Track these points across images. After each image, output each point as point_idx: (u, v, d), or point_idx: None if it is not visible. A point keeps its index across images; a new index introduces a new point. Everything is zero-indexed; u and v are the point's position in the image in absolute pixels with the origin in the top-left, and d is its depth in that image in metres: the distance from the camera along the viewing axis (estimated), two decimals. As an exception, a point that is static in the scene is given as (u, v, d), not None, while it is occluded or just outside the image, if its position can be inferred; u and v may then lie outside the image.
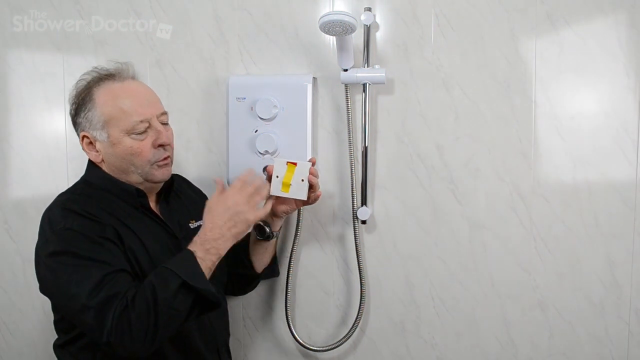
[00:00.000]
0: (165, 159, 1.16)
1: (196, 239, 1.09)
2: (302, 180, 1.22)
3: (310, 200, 1.25)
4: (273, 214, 1.27)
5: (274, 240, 1.33)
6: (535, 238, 1.36)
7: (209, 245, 1.08)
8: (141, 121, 1.11)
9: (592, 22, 1.30)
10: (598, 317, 1.35)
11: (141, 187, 1.17)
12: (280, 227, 1.34)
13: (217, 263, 1.09)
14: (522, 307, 1.38)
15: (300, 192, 1.22)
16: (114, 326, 0.97)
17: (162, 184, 1.22)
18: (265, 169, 1.26)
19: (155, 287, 1.00)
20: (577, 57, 1.31)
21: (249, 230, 1.13)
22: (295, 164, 1.22)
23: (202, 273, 1.04)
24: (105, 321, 0.98)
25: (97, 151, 1.14)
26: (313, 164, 1.23)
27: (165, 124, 1.17)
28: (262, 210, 1.16)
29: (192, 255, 1.06)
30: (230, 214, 1.10)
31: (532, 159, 1.35)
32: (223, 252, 1.10)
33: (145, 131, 1.12)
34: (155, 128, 1.13)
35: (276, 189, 1.22)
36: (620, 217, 1.31)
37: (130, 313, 0.98)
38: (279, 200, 1.26)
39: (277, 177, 1.22)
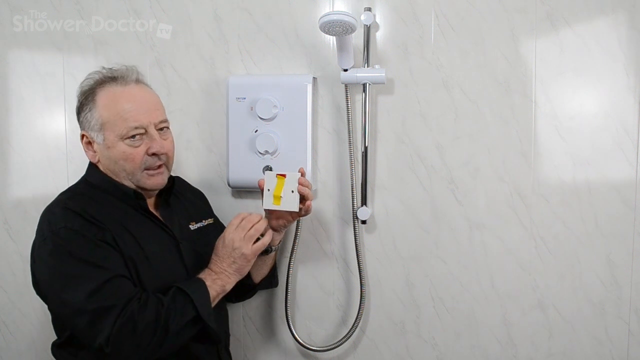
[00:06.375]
0: (158, 167, 1.15)
1: (207, 268, 1.15)
2: (292, 191, 1.21)
3: (302, 212, 1.25)
4: (271, 228, 1.26)
5: (273, 253, 1.32)
6: (535, 238, 1.36)
7: (215, 277, 1.13)
8: (136, 127, 1.10)
9: (592, 22, 1.30)
10: (598, 317, 1.35)
11: (138, 190, 1.16)
12: (280, 241, 1.33)
13: (221, 296, 1.14)
14: (522, 307, 1.38)
15: (291, 204, 1.21)
16: (114, 333, 0.98)
17: (157, 190, 1.21)
18: (263, 171, 1.26)
19: (170, 310, 1.03)
20: (577, 57, 1.31)
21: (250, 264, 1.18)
22: (284, 175, 1.21)
23: (212, 310, 1.08)
24: (101, 327, 0.98)
25: (95, 151, 1.15)
26: (302, 175, 1.23)
27: (161, 130, 1.15)
28: (259, 243, 1.17)
29: (204, 286, 1.10)
30: (229, 251, 1.15)
31: (532, 159, 1.34)
32: (228, 286, 1.15)
33: (140, 138, 1.11)
34: (151, 136, 1.12)
35: (268, 203, 1.22)
36: (620, 217, 1.31)
37: (138, 324, 0.99)
38: (274, 214, 1.26)
39: (269, 190, 1.22)
